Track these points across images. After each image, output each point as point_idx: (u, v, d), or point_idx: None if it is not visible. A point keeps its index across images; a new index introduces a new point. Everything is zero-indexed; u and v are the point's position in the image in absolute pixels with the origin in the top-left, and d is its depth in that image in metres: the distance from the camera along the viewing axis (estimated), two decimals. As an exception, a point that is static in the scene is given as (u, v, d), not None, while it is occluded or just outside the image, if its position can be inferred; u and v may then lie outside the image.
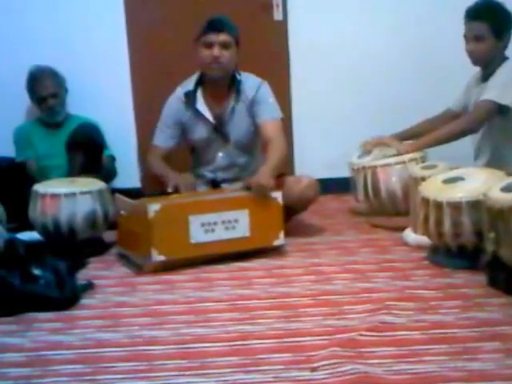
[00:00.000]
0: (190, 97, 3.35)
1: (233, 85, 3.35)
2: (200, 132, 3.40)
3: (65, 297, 2.58)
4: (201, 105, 3.36)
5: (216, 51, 3.21)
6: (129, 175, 4.09)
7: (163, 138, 3.44)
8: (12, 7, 4.08)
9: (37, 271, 2.65)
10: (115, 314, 2.49)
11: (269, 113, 3.33)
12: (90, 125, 3.87)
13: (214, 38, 3.22)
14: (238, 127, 3.38)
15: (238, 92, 3.34)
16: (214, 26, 3.24)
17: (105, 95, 4.09)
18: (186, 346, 2.18)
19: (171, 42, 4.13)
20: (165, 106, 3.43)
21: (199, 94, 3.36)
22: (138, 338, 2.26)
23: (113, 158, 4.00)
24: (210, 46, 3.23)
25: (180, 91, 3.40)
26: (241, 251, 2.98)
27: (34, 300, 2.54)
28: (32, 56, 4.00)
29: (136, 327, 2.35)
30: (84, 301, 2.62)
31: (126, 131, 4.16)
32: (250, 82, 3.36)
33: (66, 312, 2.52)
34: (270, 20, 4.10)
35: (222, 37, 3.22)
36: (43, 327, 2.40)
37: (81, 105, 4.05)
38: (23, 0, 4.08)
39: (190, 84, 3.38)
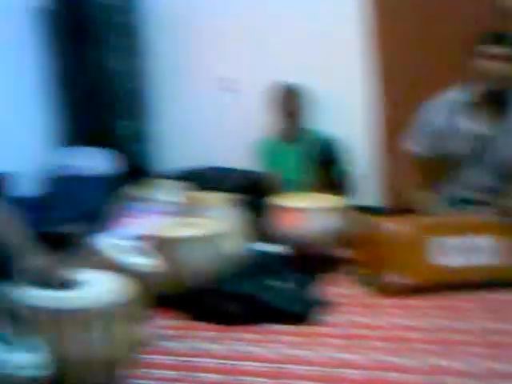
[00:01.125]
0: (458, 106, 3.18)
1: (507, 104, 3.15)
2: (459, 146, 3.18)
3: (301, 311, 2.54)
4: (468, 118, 3.17)
5: (500, 64, 3.05)
6: (369, 192, 4.01)
7: (417, 146, 3.26)
8: (255, 30, 4.22)
9: (275, 283, 2.64)
10: (354, 335, 2.39)
11: None
12: (331, 141, 3.89)
13: (498, 50, 3.06)
14: (506, 149, 3.14)
15: None
16: (499, 38, 3.09)
17: (348, 110, 4.09)
18: (430, 376, 2.02)
19: (423, 55, 4.03)
20: (424, 110, 3.26)
21: (468, 106, 3.18)
22: (379, 363, 2.14)
23: (352, 174, 3.95)
24: (493, 58, 3.07)
25: (445, 98, 3.23)
26: (492, 280, 2.75)
27: (271, 311, 2.53)
28: (275, 71, 4.11)
29: (377, 351, 2.23)
30: (321, 317, 2.56)
31: (369, 147, 4.10)
32: None
33: (303, 327, 2.47)
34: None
35: (507, 50, 3.06)
36: (282, 339, 2.37)
37: (324, 119, 4.06)
38: (266, 22, 4.21)
39: (459, 93, 3.21)
